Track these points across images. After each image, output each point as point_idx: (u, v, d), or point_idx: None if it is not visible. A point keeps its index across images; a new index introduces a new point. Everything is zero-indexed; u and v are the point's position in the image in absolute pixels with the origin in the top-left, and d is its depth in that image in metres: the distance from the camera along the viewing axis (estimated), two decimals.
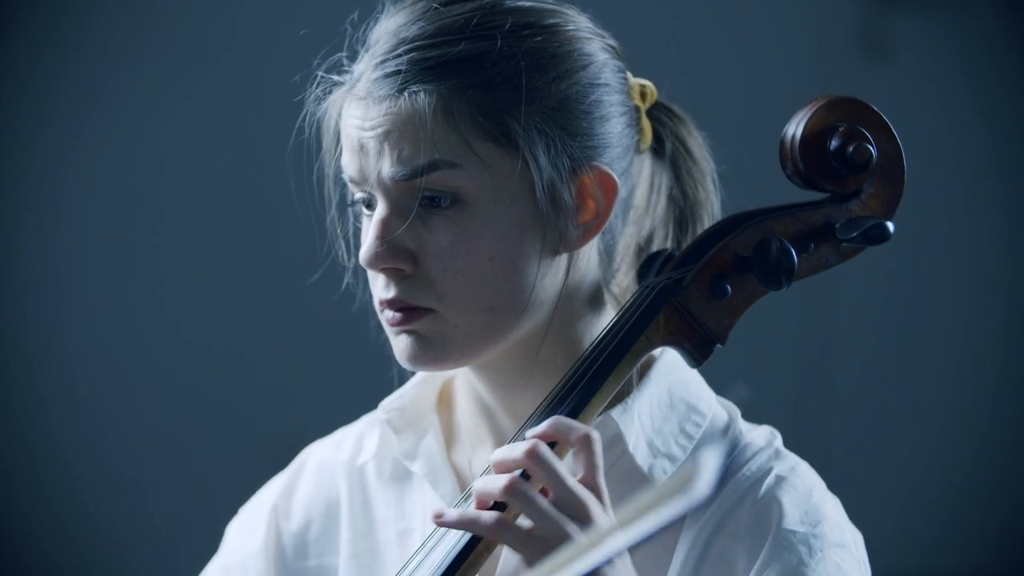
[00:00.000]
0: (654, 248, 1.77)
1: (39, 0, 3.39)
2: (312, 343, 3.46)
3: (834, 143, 1.64)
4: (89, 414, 3.47)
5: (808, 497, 1.63)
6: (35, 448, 3.47)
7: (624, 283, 1.77)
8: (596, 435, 1.52)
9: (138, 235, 3.46)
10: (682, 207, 1.77)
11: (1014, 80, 3.52)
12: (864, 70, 3.51)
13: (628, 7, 3.39)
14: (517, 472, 1.51)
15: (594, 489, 1.50)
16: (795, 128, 1.64)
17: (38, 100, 3.41)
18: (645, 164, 1.77)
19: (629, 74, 1.74)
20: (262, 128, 3.01)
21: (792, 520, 1.61)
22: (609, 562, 1.46)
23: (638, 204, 1.77)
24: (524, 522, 1.49)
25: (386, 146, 1.60)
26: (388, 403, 1.80)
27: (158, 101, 3.43)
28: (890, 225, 1.63)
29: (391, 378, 1.82)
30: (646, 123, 1.75)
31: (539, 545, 1.47)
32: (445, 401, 1.80)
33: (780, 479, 1.64)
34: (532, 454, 1.50)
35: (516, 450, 1.51)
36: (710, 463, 1.18)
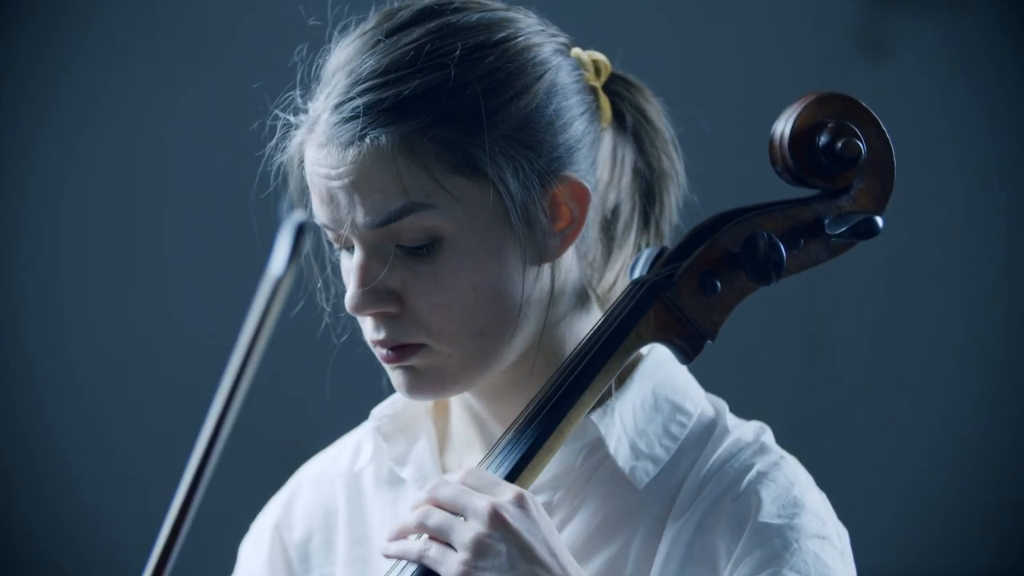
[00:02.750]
0: (620, 220, 1.75)
1: (39, 0, 3.40)
2: (314, 343, 3.46)
3: (823, 139, 1.63)
4: (89, 414, 3.47)
5: (788, 490, 1.62)
6: (35, 448, 3.47)
7: (610, 279, 1.75)
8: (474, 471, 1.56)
9: (139, 235, 3.46)
10: (648, 179, 1.75)
11: (1013, 79, 3.52)
12: (863, 69, 3.51)
13: (628, 6, 3.39)
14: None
15: (508, 496, 1.54)
16: (784, 125, 1.64)
17: (38, 100, 3.41)
18: (606, 139, 1.74)
19: (579, 50, 1.70)
20: (263, 128, 3.01)
21: (768, 513, 1.60)
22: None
23: (600, 177, 1.73)
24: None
25: (356, 196, 1.58)
26: (379, 410, 1.79)
27: (158, 101, 3.44)
28: (879, 220, 1.62)
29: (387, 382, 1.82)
30: (604, 100, 1.72)
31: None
32: (441, 406, 1.80)
33: (761, 474, 1.63)
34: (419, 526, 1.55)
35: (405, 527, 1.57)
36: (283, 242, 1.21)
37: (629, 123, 1.74)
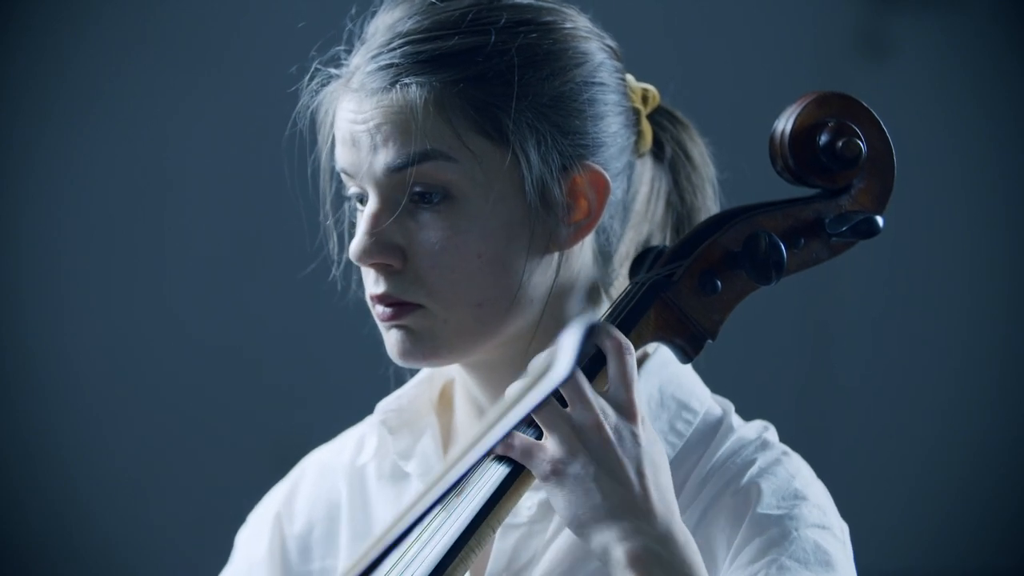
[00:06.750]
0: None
1: (39, 0, 3.40)
2: (314, 342, 3.46)
3: (823, 138, 1.64)
4: (89, 414, 3.47)
5: (789, 483, 1.63)
6: (35, 448, 3.48)
7: (623, 286, 1.76)
8: (629, 345, 1.53)
9: (139, 234, 3.47)
10: (680, 212, 1.77)
11: (1012, 79, 3.52)
12: (862, 70, 3.51)
13: (626, 7, 3.40)
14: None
15: (625, 406, 1.52)
16: (784, 124, 1.64)
17: (38, 100, 3.42)
18: (646, 168, 1.77)
19: (631, 77, 1.74)
20: (264, 125, 3.01)
21: (768, 504, 1.61)
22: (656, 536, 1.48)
23: (638, 208, 1.77)
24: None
25: (378, 138, 1.61)
26: (385, 404, 1.80)
27: (159, 99, 3.44)
28: (879, 220, 1.63)
29: (388, 377, 1.82)
30: (646, 126, 1.75)
31: (558, 467, 1.50)
32: (446, 402, 1.81)
33: (763, 468, 1.64)
34: None
35: None
36: (568, 340, 1.19)
37: (667, 154, 1.77)
